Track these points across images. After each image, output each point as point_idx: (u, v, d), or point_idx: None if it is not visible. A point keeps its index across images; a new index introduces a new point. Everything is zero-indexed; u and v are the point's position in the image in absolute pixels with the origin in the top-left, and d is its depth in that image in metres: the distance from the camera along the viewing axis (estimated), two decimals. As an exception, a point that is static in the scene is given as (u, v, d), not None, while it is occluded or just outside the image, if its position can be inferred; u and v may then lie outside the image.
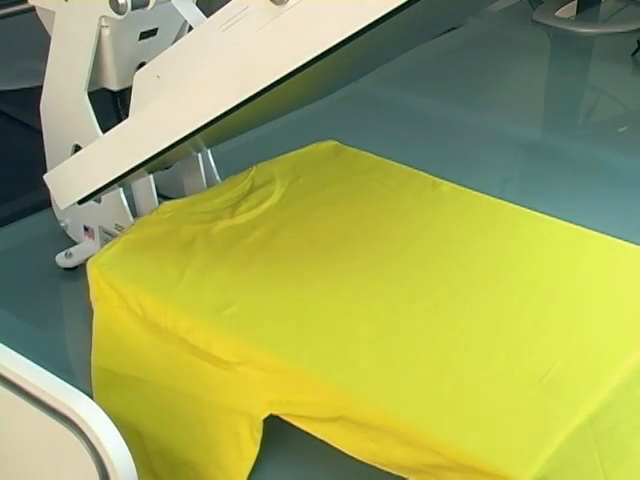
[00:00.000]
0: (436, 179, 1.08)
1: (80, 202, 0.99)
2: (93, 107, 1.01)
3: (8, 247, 1.18)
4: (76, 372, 0.98)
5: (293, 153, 1.15)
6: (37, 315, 1.06)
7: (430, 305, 0.87)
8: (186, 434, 0.87)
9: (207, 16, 0.85)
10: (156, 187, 1.10)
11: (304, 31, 0.73)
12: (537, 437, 0.73)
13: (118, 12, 0.90)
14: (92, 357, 0.92)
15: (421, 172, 1.10)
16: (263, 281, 0.91)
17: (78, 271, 1.08)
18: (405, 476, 0.76)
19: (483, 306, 0.87)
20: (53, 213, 1.15)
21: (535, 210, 1.03)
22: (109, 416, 0.68)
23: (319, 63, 0.73)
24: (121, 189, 1.05)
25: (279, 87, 0.76)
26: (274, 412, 0.80)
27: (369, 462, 0.77)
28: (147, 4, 0.89)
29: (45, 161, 1.09)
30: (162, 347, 0.87)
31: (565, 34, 1.95)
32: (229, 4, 0.80)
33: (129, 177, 0.94)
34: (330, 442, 0.78)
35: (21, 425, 0.73)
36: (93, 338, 0.92)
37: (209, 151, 1.15)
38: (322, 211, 1.02)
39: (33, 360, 0.72)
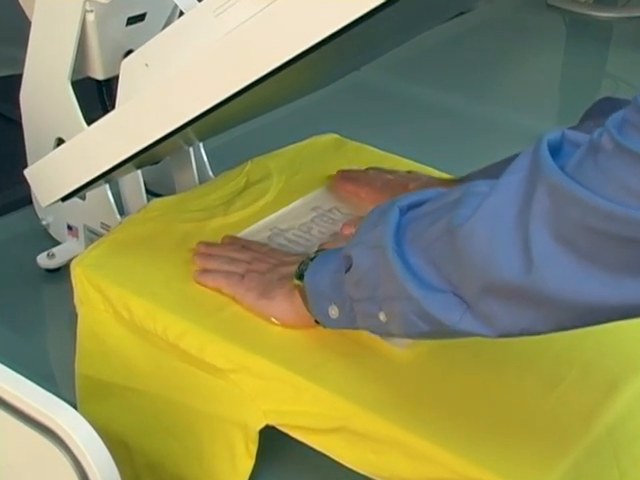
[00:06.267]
0: (443, 174, 1.08)
1: (63, 199, 1.00)
2: (77, 97, 1.01)
3: (-14, 247, 1.18)
4: (59, 380, 0.99)
5: (291, 147, 1.15)
6: (17, 320, 1.06)
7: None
8: (177, 446, 0.87)
9: (199, 0, 0.85)
10: (145, 183, 1.10)
11: (303, 16, 0.73)
12: (552, 450, 0.73)
13: (104, -5, 0.90)
14: (76, 364, 0.92)
15: (427, 167, 1.11)
16: (259, 283, 0.91)
17: (61, 273, 1.09)
18: (410, 491, 0.76)
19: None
20: (34, 211, 1.16)
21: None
22: (94, 427, 0.68)
23: (319, 51, 0.73)
24: (107, 185, 1.05)
25: (276, 76, 0.76)
26: (270, 423, 0.81)
27: (371, 476, 0.77)
28: (135, -13, 0.90)
29: (25, 155, 1.10)
30: (151, 353, 0.87)
31: (582, 19, 1.96)
32: (223, -13, 0.80)
33: (116, 172, 0.94)
34: (330, 454, 0.79)
35: None
36: (77, 344, 0.92)
37: (201, 145, 1.15)
38: (322, 209, 1.03)
39: (12, 368, 0.72)
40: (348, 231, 0.92)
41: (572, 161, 0.59)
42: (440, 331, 0.68)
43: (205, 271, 0.90)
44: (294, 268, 0.82)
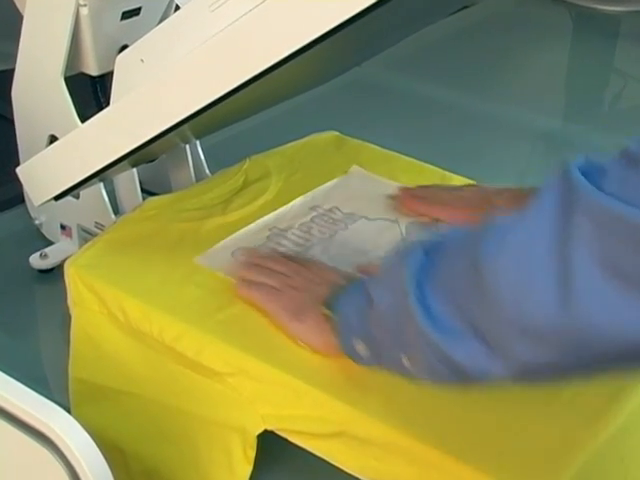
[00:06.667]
0: (446, 173, 1.09)
1: (57, 198, 0.99)
2: (70, 94, 1.01)
3: (-23, 247, 1.18)
4: (52, 384, 0.99)
5: (290, 145, 1.15)
6: (9, 321, 1.06)
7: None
8: (173, 452, 0.87)
9: (196, -6, 0.85)
10: (140, 182, 1.10)
11: (301, 12, 0.73)
12: (557, 457, 0.73)
13: (98, -11, 0.90)
14: (70, 367, 0.93)
15: (430, 165, 1.11)
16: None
17: (54, 273, 1.09)
18: (412, 497, 0.76)
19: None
20: (27, 210, 1.15)
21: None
22: (88, 432, 0.68)
23: (318, 46, 0.73)
24: (102, 184, 1.05)
25: (274, 72, 0.76)
26: (269, 427, 0.81)
27: (373, 482, 0.77)
28: (129, -20, 0.90)
29: (18, 153, 1.10)
30: (147, 356, 0.87)
31: (589, 13, 1.95)
32: (219, -19, 0.80)
33: (110, 171, 0.94)
34: (330, 460, 0.79)
35: (-9, 442, 0.74)
36: (71, 347, 0.92)
37: (198, 142, 1.15)
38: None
39: (4, 370, 0.72)
40: None
41: (610, 179, 0.56)
42: (466, 377, 0.65)
43: (244, 281, 0.88)
44: (330, 291, 0.80)
